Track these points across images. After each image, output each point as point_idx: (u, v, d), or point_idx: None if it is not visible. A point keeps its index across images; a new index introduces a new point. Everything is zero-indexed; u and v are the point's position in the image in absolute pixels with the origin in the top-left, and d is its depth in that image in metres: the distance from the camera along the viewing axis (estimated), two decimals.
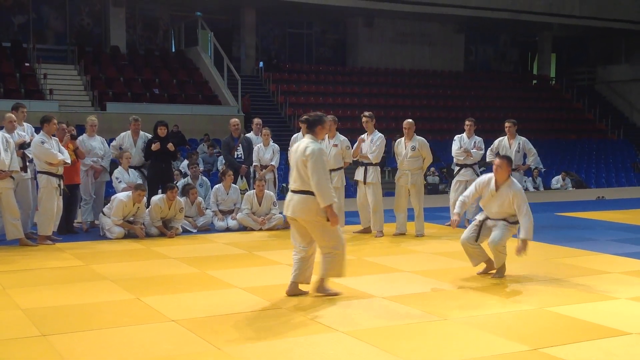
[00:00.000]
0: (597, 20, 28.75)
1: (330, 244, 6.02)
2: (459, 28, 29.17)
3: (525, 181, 18.76)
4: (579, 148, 25.78)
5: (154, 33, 25.77)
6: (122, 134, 10.77)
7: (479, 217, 7.13)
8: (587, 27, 29.37)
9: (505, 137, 10.76)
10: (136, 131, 10.63)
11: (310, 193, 5.87)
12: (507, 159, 6.96)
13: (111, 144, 10.75)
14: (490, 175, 6.99)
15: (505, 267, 7.00)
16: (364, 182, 9.78)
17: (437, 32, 28.98)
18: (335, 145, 9.93)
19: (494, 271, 7.03)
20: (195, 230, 10.11)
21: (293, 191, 6.02)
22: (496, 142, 10.85)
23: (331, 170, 9.88)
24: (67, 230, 9.73)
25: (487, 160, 10.88)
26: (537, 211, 12.75)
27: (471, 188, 7.22)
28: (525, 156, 10.79)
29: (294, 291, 6.15)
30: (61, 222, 9.50)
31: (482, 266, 7.11)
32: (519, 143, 10.68)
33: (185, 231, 9.99)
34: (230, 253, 8.48)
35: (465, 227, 10.55)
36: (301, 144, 6.02)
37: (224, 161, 11.80)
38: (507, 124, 10.76)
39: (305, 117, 6.18)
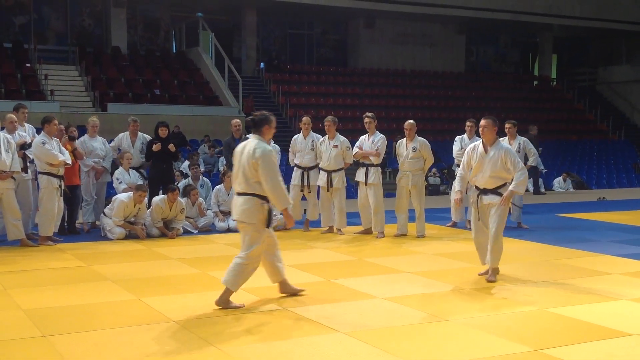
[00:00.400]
0: (597, 21, 28.75)
1: (249, 254, 5.73)
2: (460, 29, 29.18)
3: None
4: (580, 149, 25.78)
5: (155, 34, 25.79)
6: (121, 134, 10.78)
7: (472, 198, 6.98)
8: (587, 27, 29.38)
9: (506, 138, 10.76)
10: (134, 132, 10.64)
11: (255, 195, 5.67)
12: (492, 119, 6.83)
13: (110, 145, 10.75)
14: (477, 141, 6.93)
15: (498, 269, 6.94)
16: (365, 183, 9.78)
17: (438, 33, 28.99)
18: (336, 146, 9.94)
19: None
20: (196, 231, 10.11)
21: (239, 193, 5.78)
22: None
23: (332, 171, 9.95)
24: (70, 231, 9.75)
25: None
26: (538, 212, 12.82)
27: (463, 159, 7.13)
28: (526, 157, 10.80)
29: (285, 289, 6.17)
30: (61, 223, 9.51)
31: (485, 267, 7.08)
32: (519, 143, 10.69)
33: (186, 232, 9.99)
34: (231, 254, 8.41)
35: (467, 228, 10.64)
36: (248, 144, 5.77)
37: (224, 162, 11.79)
38: (507, 125, 10.77)
39: (251, 116, 5.96)
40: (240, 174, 5.76)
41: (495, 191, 6.78)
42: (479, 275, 7.06)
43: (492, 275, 6.87)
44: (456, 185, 7.20)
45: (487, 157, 6.76)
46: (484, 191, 6.82)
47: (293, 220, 5.95)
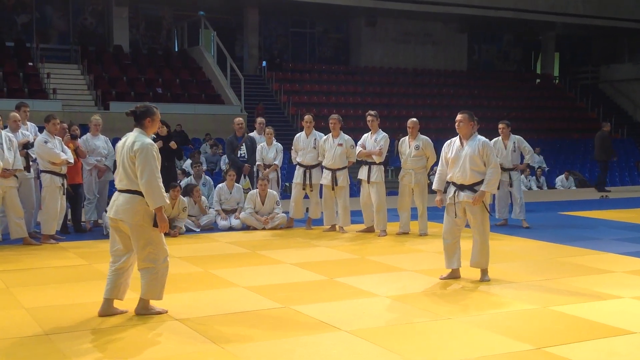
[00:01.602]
0: (600, 19, 28.70)
1: (150, 257, 5.32)
2: (462, 27, 29.15)
3: (529, 180, 18.77)
4: (582, 147, 25.73)
5: (157, 32, 25.80)
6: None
7: (449, 195, 6.80)
8: (590, 26, 29.32)
9: (499, 138, 10.76)
10: None
11: (138, 193, 5.25)
12: (468, 113, 6.69)
13: (116, 144, 10.72)
14: (454, 138, 6.82)
15: (487, 271, 6.84)
16: (368, 182, 9.77)
17: (440, 32, 28.96)
18: (340, 145, 9.94)
19: (457, 278, 6.85)
20: (199, 230, 10.12)
21: (120, 190, 5.38)
22: (491, 143, 10.83)
23: (336, 170, 9.94)
24: (76, 230, 9.77)
25: None
26: (540, 210, 12.80)
27: (441, 155, 6.95)
28: (522, 155, 10.79)
29: (106, 311, 5.39)
30: (64, 221, 9.52)
31: (447, 271, 6.90)
32: (514, 142, 10.68)
33: (189, 230, 10.00)
34: (234, 252, 8.48)
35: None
36: (129, 138, 5.41)
37: (227, 160, 11.79)
38: (500, 126, 10.76)
39: (132, 109, 5.50)
40: (120, 169, 5.39)
41: (472, 188, 6.64)
42: (440, 279, 6.85)
43: (485, 275, 6.82)
44: (435, 183, 7.02)
45: (463, 151, 6.63)
46: (460, 187, 6.69)
47: (167, 224, 5.30)
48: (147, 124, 5.47)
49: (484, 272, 6.85)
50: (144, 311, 5.46)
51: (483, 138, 6.72)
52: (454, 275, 6.89)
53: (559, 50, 33.05)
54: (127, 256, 5.44)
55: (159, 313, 5.48)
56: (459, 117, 6.70)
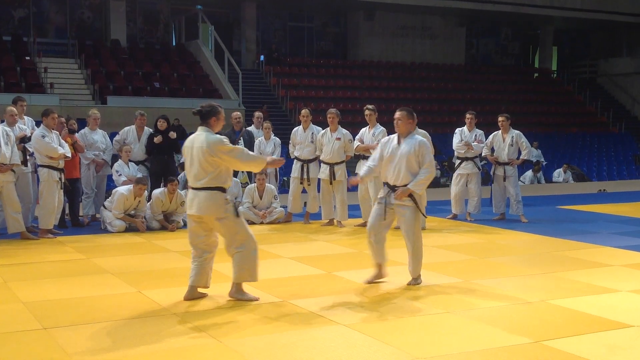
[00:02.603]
0: (598, 13, 28.65)
1: (240, 243, 5.66)
2: (460, 21, 29.09)
3: (536, 177, 18.72)
4: (581, 141, 25.75)
5: (155, 26, 25.71)
6: (126, 128, 10.76)
7: (381, 194, 6.45)
8: (588, 20, 29.28)
9: (499, 132, 10.76)
10: (141, 126, 10.64)
11: (217, 189, 5.58)
12: (407, 110, 6.34)
13: (115, 138, 10.72)
14: (392, 135, 6.46)
15: (421, 276, 6.46)
16: None
17: (439, 26, 28.90)
18: (339, 139, 9.93)
19: (384, 279, 6.50)
20: None
21: (197, 188, 5.63)
22: (491, 136, 10.90)
23: (334, 164, 9.93)
24: (74, 224, 9.77)
25: (482, 155, 10.89)
26: (538, 204, 12.81)
27: (375, 152, 6.58)
28: (519, 151, 10.79)
29: (192, 295, 5.78)
30: (62, 215, 9.51)
31: (371, 273, 6.57)
32: (512, 137, 10.68)
33: (186, 224, 9.96)
34: None
35: (467, 221, 10.64)
36: (198, 137, 5.63)
37: None
38: (500, 119, 10.77)
39: (198, 108, 5.74)
40: (197, 167, 5.59)
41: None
42: (365, 283, 6.44)
43: (414, 280, 6.43)
44: (361, 172, 6.63)
45: (399, 150, 6.27)
46: (393, 188, 6.32)
47: (280, 161, 6.22)
48: (212, 122, 5.70)
49: (416, 278, 6.44)
50: (238, 295, 5.76)
51: (420, 137, 6.35)
52: (380, 275, 6.50)
53: (557, 44, 33.00)
54: (210, 247, 5.81)
55: (251, 300, 5.73)
56: (397, 114, 6.31)
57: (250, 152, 5.94)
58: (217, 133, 5.73)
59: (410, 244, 6.42)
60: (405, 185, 6.26)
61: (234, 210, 5.67)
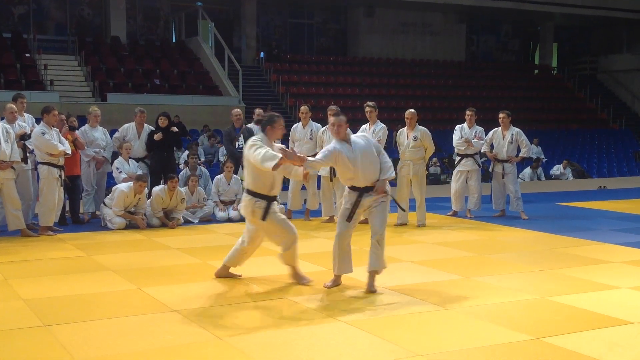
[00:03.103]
0: (599, 10, 28.64)
1: (279, 240, 6.32)
2: (461, 18, 29.08)
3: (535, 173, 18.71)
4: (581, 138, 25.75)
5: (155, 23, 25.71)
6: (126, 125, 10.75)
7: (348, 205, 6.09)
8: (589, 16, 29.27)
9: (500, 129, 10.76)
10: (141, 123, 10.63)
11: (249, 193, 6.12)
12: (341, 115, 6.15)
13: (114, 135, 10.72)
14: (335, 144, 6.00)
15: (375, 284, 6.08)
16: None
17: (439, 22, 28.89)
18: None
19: (309, 282, 6.25)
20: (197, 221, 10.11)
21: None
22: (490, 133, 10.89)
23: None
24: (75, 221, 9.77)
25: (482, 151, 10.89)
26: (538, 201, 12.81)
27: (328, 158, 5.95)
28: (519, 148, 10.79)
29: (222, 274, 6.48)
30: (62, 213, 9.51)
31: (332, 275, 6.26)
32: (512, 134, 10.67)
33: (187, 222, 9.99)
34: (232, 243, 8.37)
35: (467, 218, 10.64)
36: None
37: (225, 152, 11.78)
38: (500, 115, 10.77)
39: (260, 118, 6.12)
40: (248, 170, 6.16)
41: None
42: (325, 286, 6.12)
43: (373, 283, 6.06)
44: (316, 161, 6.07)
45: (355, 150, 5.90)
46: (366, 189, 5.98)
47: (297, 157, 5.80)
48: (268, 131, 6.12)
49: (372, 283, 6.07)
50: (296, 278, 6.34)
51: (363, 134, 6.28)
52: (338, 282, 6.22)
53: (557, 41, 32.99)
54: (249, 244, 6.42)
55: (307, 282, 6.30)
56: (335, 120, 6.04)
57: (265, 153, 5.85)
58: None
59: (380, 237, 6.15)
60: (378, 180, 6.00)
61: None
